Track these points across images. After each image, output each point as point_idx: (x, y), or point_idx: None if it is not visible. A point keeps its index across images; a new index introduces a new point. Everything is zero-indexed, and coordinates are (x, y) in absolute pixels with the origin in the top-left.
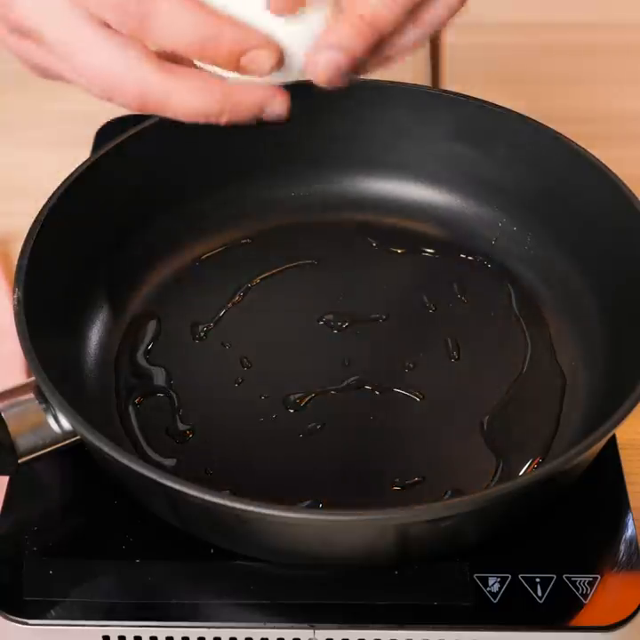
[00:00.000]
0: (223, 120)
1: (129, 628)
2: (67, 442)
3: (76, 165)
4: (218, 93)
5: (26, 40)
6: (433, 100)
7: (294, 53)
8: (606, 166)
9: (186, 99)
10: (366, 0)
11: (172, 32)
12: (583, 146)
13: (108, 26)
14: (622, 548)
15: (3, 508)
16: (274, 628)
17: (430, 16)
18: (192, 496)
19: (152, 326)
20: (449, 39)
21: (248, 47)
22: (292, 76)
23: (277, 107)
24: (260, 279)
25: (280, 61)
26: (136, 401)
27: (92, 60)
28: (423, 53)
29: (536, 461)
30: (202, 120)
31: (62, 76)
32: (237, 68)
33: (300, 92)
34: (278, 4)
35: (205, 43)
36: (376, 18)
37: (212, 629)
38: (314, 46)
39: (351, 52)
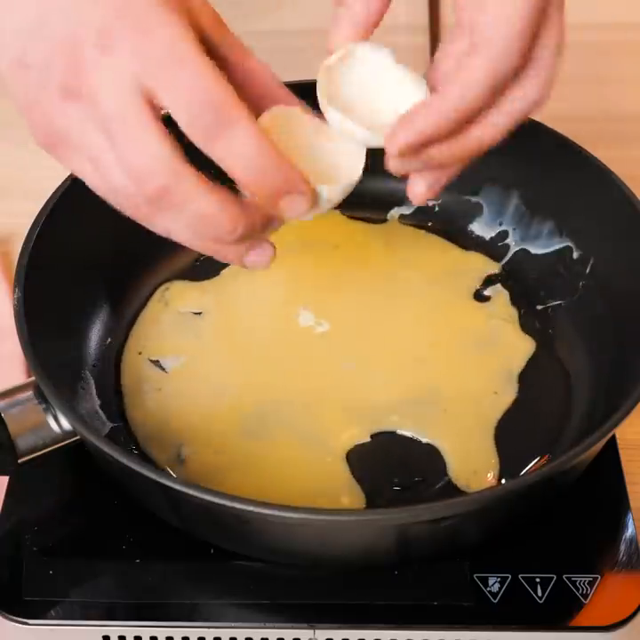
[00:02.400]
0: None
1: (129, 628)
2: (67, 442)
3: None
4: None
5: (72, 102)
6: None
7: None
8: (606, 166)
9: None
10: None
11: (236, 152)
12: (583, 146)
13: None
14: (622, 547)
15: (3, 508)
16: (274, 627)
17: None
18: (192, 496)
19: None
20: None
21: (289, 191)
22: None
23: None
24: None
25: (311, 208)
26: None
27: (140, 148)
28: (423, 54)
29: (537, 461)
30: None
31: (82, 150)
32: (275, 206)
33: (299, 92)
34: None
35: (258, 175)
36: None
37: (211, 629)
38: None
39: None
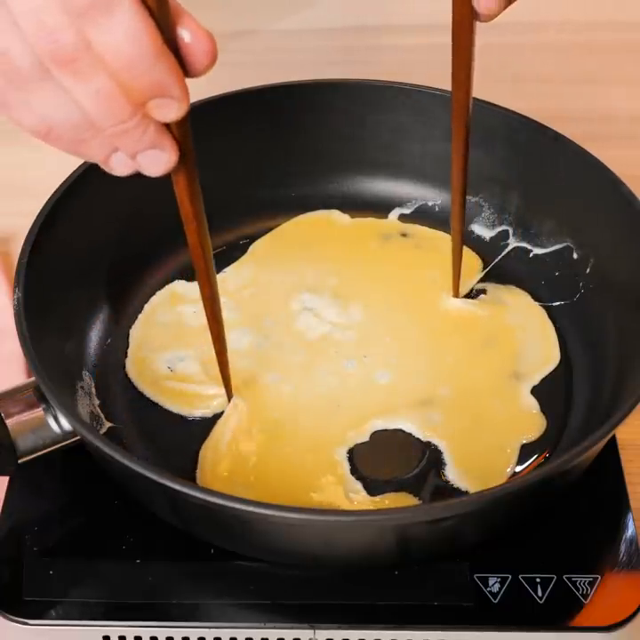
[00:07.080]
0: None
1: (129, 628)
2: (67, 442)
3: (77, 165)
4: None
5: None
6: (433, 100)
7: None
8: (606, 166)
9: None
10: None
11: (110, 34)
12: (583, 146)
13: None
14: (622, 547)
15: (3, 508)
16: (274, 628)
17: None
18: (192, 496)
19: None
20: (448, 39)
21: (166, 94)
22: None
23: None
24: None
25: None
26: None
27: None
28: (423, 55)
29: (535, 459)
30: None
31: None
32: (142, 103)
33: (299, 92)
34: None
35: (136, 62)
36: None
37: (212, 629)
38: None
39: None
